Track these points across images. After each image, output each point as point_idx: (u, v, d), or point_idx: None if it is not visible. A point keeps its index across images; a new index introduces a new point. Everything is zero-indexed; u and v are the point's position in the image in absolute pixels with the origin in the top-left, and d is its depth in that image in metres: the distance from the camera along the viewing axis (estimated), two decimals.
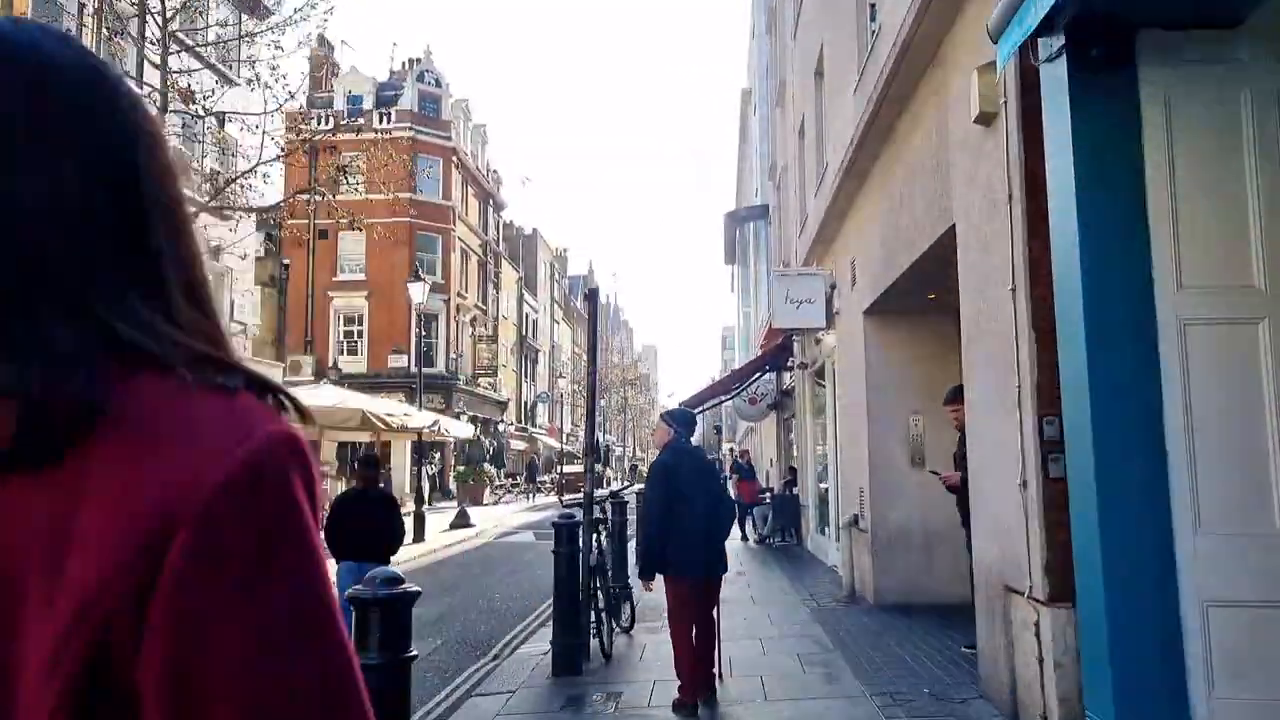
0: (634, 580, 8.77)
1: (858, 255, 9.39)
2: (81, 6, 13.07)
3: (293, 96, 10.12)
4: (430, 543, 17.28)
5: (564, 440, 57.07)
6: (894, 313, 8.91)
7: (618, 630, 8.04)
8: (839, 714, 5.41)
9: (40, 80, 0.63)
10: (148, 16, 9.88)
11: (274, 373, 21.79)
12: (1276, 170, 3.79)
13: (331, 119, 33.49)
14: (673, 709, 5.49)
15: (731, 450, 43.71)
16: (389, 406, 17.05)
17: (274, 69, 10.33)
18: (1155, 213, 3.83)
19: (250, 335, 21.23)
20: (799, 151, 15.02)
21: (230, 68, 13.96)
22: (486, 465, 35.83)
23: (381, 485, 7.75)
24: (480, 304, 40.93)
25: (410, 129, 35.22)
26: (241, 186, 10.76)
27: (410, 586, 2.87)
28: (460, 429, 21.68)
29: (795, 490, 17.19)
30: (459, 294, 37.57)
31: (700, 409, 21.29)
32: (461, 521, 21.00)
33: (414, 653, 2.85)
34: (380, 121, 34.55)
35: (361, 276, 35.13)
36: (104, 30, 11.72)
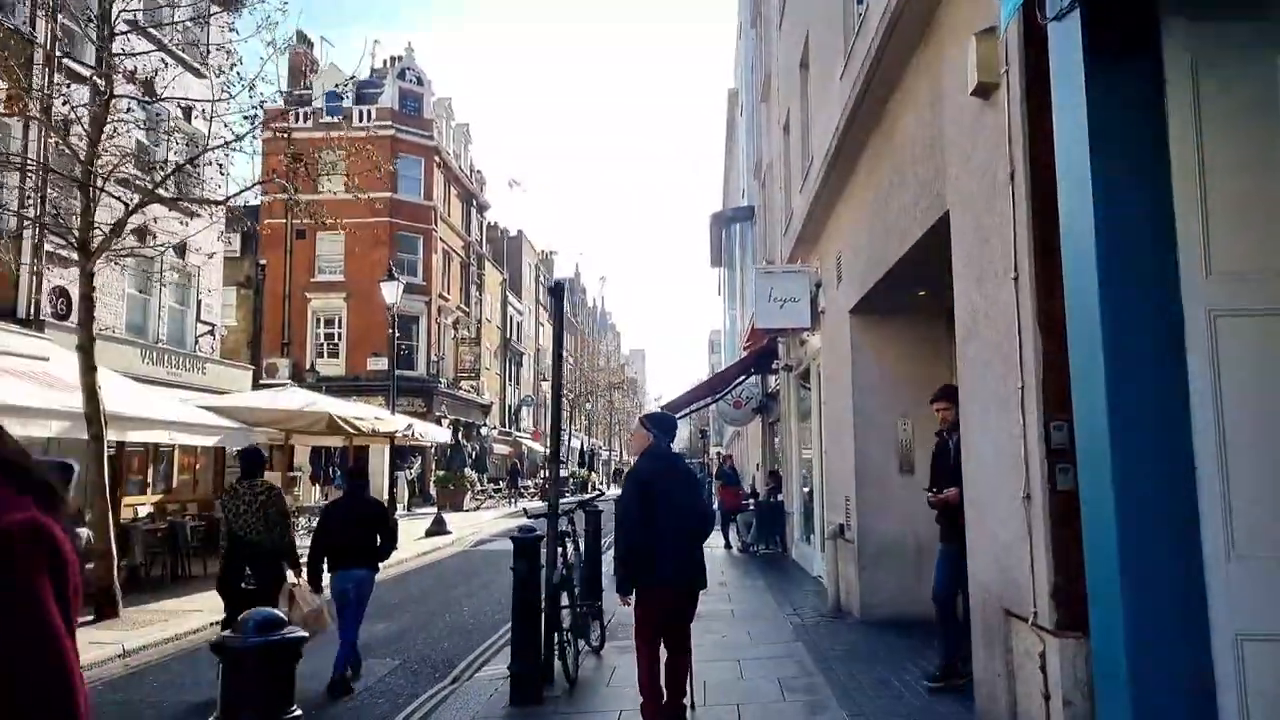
0: (607, 595, 8.28)
1: (844, 250, 8.90)
2: None
3: (250, 86, 9.53)
4: (402, 552, 16.64)
5: (549, 444, 56.42)
6: (881, 311, 8.43)
7: (586, 650, 7.51)
8: None
9: None
10: None
11: (243, 376, 21.15)
12: None
13: (304, 114, 32.91)
14: None
15: (718, 454, 43.24)
16: (359, 410, 16.46)
17: (229, 54, 9.72)
18: (1180, 188, 3.34)
19: (219, 336, 20.54)
20: (784, 148, 14.55)
21: (184, 50, 13.37)
22: (468, 470, 35.16)
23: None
24: (463, 306, 40.31)
25: (391, 127, 34.65)
26: (190, 175, 10.18)
27: (292, 631, 2.33)
28: (437, 433, 21.11)
29: (780, 497, 16.69)
30: (441, 296, 36.94)
31: (684, 413, 20.79)
32: (437, 529, 20.38)
33: (297, 713, 2.29)
34: (360, 119, 33.98)
35: (340, 278, 34.48)
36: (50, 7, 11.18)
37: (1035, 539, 3.97)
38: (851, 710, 5.56)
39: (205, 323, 19.84)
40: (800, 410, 14.53)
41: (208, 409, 13.89)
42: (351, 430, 15.33)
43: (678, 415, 21.12)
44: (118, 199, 9.54)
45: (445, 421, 35.16)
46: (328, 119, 32.14)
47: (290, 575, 7.16)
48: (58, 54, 12.16)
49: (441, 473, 34.08)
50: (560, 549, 6.85)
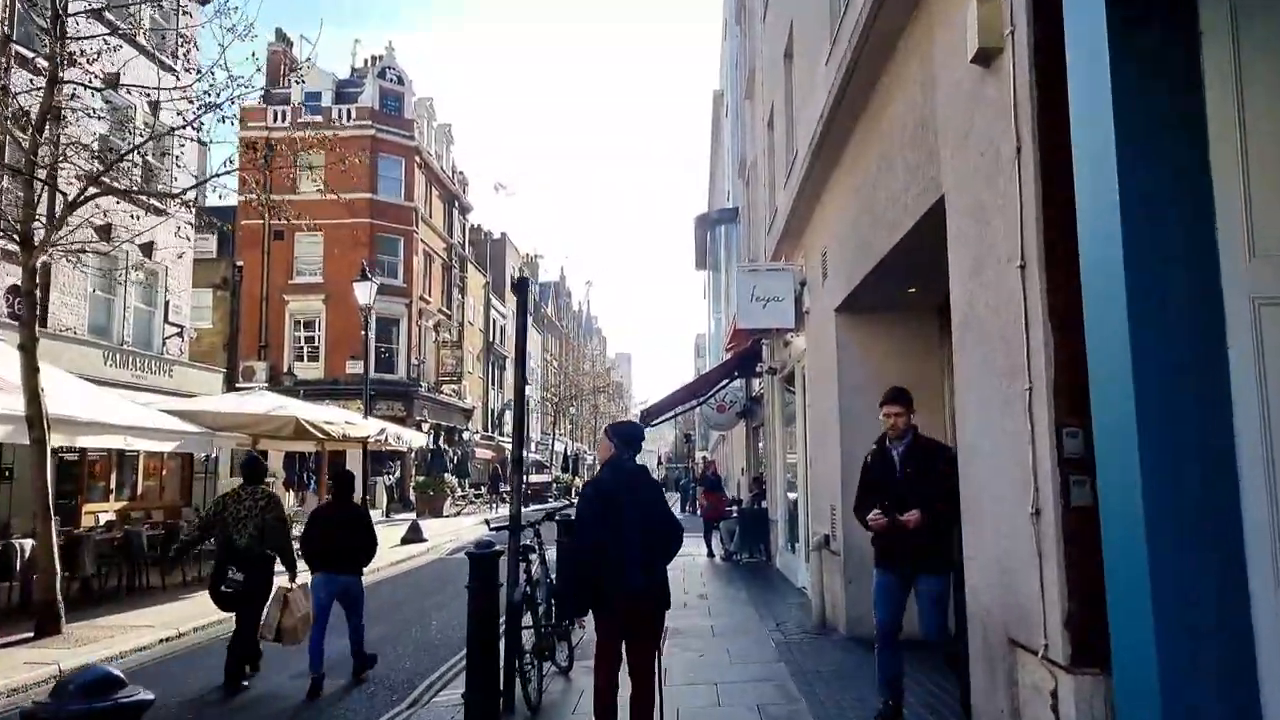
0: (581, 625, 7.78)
1: (829, 246, 8.44)
2: None
3: (202, 73, 8.98)
4: (376, 560, 16.07)
5: (532, 449, 55.86)
6: (869, 310, 7.97)
7: (554, 672, 7.01)
8: None
9: None
10: None
11: (213, 379, 20.52)
12: None
13: (282, 113, 32.29)
14: None
15: (702, 459, 42.78)
16: (329, 414, 15.88)
17: (183, 38, 9.18)
18: (1219, 158, 2.89)
19: (188, 338, 19.91)
20: (768, 144, 14.11)
21: (143, 37, 12.77)
22: (448, 475, 34.55)
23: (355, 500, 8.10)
24: (444, 309, 39.71)
25: (371, 126, 34.07)
26: (153, 170, 9.63)
27: (137, 694, 1.83)
28: (413, 437, 20.53)
29: (764, 504, 16.22)
30: (422, 298, 36.35)
31: (666, 417, 20.31)
32: (413, 536, 19.82)
33: None
34: (339, 119, 33.35)
35: (319, 279, 33.85)
36: None
37: (1045, 560, 3.50)
38: None
39: (173, 324, 19.23)
40: (785, 414, 14.07)
41: (170, 413, 13.29)
42: (321, 435, 14.76)
43: (659, 420, 20.68)
44: (62, 193, 8.98)
45: (426, 426, 34.54)
46: (306, 118, 31.55)
47: (284, 580, 7.42)
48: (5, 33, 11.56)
49: (421, 478, 33.46)
50: (524, 564, 6.34)
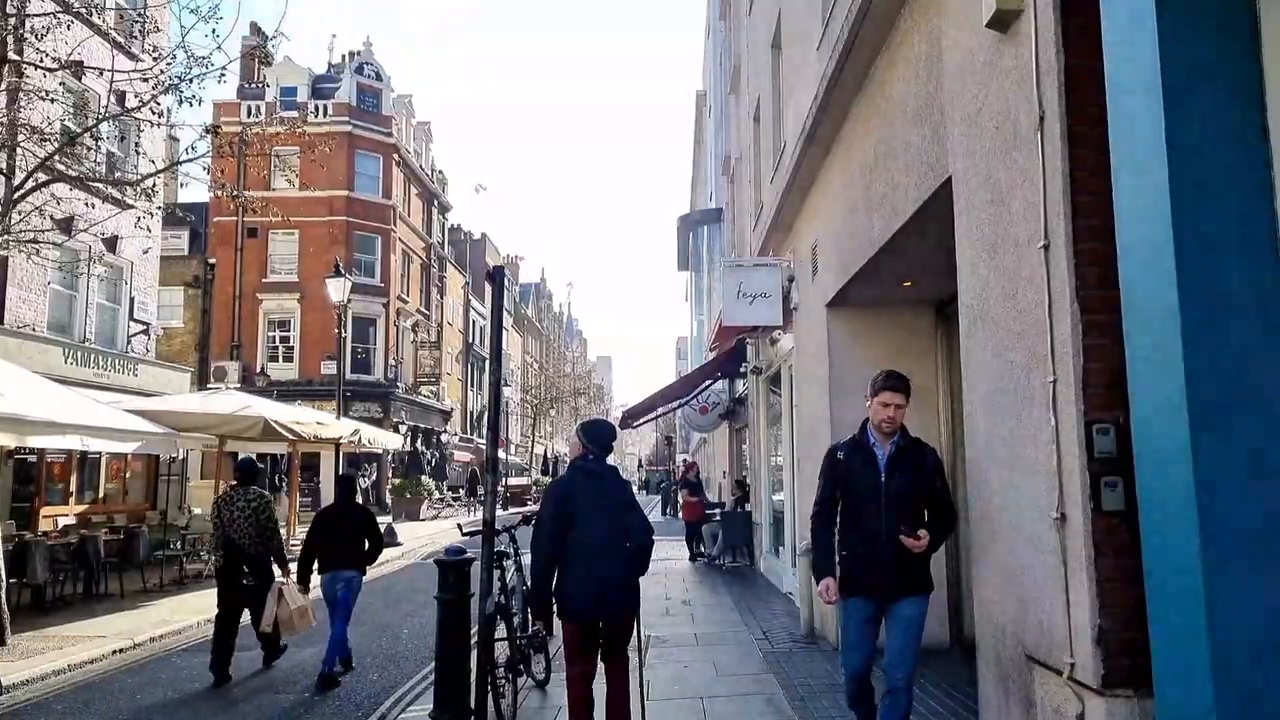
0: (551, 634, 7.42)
1: (821, 238, 8.11)
2: None
3: (159, 56, 8.51)
4: None
5: (512, 451, 55.31)
6: (862, 305, 7.64)
7: (529, 685, 6.62)
8: None
9: None
10: None
11: (180, 379, 19.93)
12: None
13: (257, 108, 31.68)
14: None
15: (683, 462, 42.45)
16: (299, 414, 15.38)
17: (140, 15, 8.71)
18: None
19: (154, 336, 19.31)
20: (754, 138, 13.80)
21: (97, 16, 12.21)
22: (425, 478, 34.01)
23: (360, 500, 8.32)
24: (423, 309, 39.15)
25: (348, 123, 33.51)
26: (90, 147, 9.13)
27: None
28: (387, 439, 20.02)
29: (748, 506, 15.88)
30: (399, 298, 35.78)
31: (646, 419, 19.96)
32: (388, 540, 19.29)
33: None
34: (315, 115, 32.74)
35: (294, 278, 33.21)
36: None
37: (1072, 572, 3.16)
38: None
39: (139, 321, 18.64)
40: (770, 415, 13.75)
41: (132, 412, 12.77)
42: (290, 436, 14.27)
43: (640, 421, 20.31)
44: (6, 176, 8.48)
45: (403, 428, 33.99)
46: (281, 114, 30.94)
47: (278, 574, 7.91)
48: None
49: (397, 480, 32.90)
50: (498, 572, 5.96)
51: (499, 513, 6.22)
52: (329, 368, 31.33)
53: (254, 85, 34.73)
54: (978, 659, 4.20)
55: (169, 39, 9.36)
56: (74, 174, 9.47)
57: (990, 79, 3.86)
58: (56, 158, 8.57)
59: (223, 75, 8.16)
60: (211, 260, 32.57)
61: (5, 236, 9.02)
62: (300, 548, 7.80)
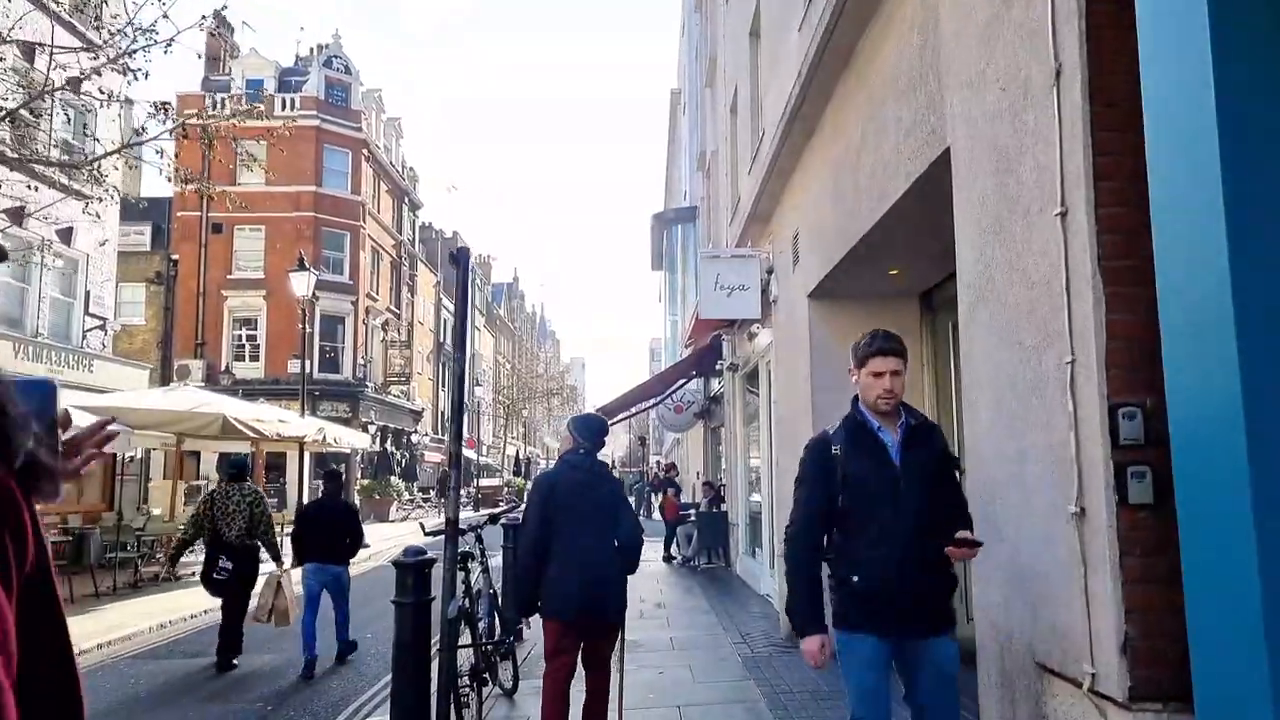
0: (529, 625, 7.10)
1: (802, 227, 7.81)
2: None
3: (102, 28, 8.03)
4: None
5: (484, 452, 54.72)
6: (845, 296, 7.35)
7: (496, 694, 6.25)
8: None
9: None
10: None
11: (139, 376, 19.31)
12: None
13: (222, 100, 31.00)
14: None
15: (657, 463, 42.13)
16: (260, 412, 14.86)
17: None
18: None
19: (111, 331, 18.67)
20: (731, 130, 13.50)
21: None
22: (394, 479, 33.42)
23: (344, 496, 8.78)
24: (393, 307, 38.52)
25: (316, 117, 32.84)
26: (28, 126, 8.64)
27: None
28: (354, 438, 19.48)
29: (724, 506, 15.59)
30: (369, 295, 35.15)
31: (620, 418, 19.60)
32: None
33: None
34: (282, 108, 32.05)
35: (260, 275, 32.48)
36: None
37: (1093, 572, 2.86)
38: None
39: (95, 316, 17.99)
40: (746, 414, 13.46)
41: (84, 409, 12.21)
42: (251, 434, 13.75)
43: (614, 421, 19.95)
44: None
45: (372, 428, 33.37)
46: (248, 106, 30.25)
47: (274, 567, 8.26)
48: None
49: (366, 481, 32.30)
50: (462, 574, 5.58)
51: (467, 513, 5.86)
52: (296, 366, 30.66)
53: (219, 77, 34.02)
54: (977, 667, 3.89)
55: (125, 17, 8.86)
56: (14, 156, 8.94)
57: (996, 36, 3.56)
58: None
59: (169, 47, 7.73)
60: (174, 256, 31.80)
61: None
62: (291, 541, 8.08)
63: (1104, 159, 2.87)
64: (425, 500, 35.65)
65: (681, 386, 18.51)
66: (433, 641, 5.20)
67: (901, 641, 3.17)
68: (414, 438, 40.86)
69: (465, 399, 5.54)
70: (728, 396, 14.94)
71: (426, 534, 6.25)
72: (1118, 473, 2.77)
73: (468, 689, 5.46)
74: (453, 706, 5.19)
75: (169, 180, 10.13)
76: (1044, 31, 3.12)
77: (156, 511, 17.52)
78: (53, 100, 9.48)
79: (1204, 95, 2.24)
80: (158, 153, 9.80)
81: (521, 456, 57.85)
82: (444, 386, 48.70)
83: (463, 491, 33.05)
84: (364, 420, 32.67)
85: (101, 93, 8.85)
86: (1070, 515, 2.97)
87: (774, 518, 10.05)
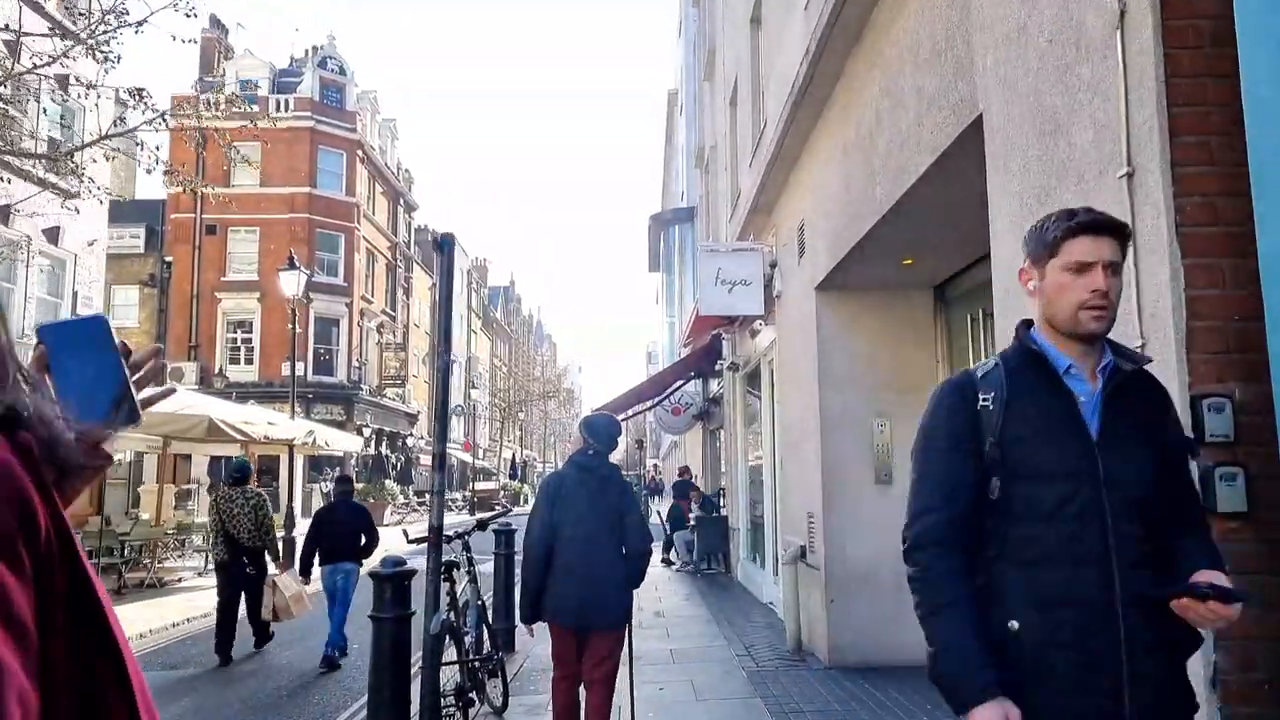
0: (521, 635, 6.71)
1: (809, 215, 7.41)
2: None
3: (71, 8, 7.64)
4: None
5: (480, 455, 54.29)
6: (855, 287, 6.96)
7: (485, 712, 5.84)
8: None
9: None
10: None
11: None
12: None
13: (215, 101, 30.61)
14: None
15: (653, 466, 41.74)
16: (248, 414, 14.44)
17: None
18: None
19: None
20: (731, 124, 13.12)
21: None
22: (389, 482, 32.99)
23: (357, 499, 8.87)
24: (388, 310, 38.11)
25: (310, 118, 32.46)
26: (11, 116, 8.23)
27: None
28: (346, 441, 19.08)
29: (724, 510, 15.18)
30: (364, 298, 34.73)
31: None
32: None
33: None
34: (277, 109, 31.66)
35: (254, 277, 32.02)
36: None
37: None
38: None
39: None
40: (747, 415, 13.06)
41: None
42: (239, 436, 13.34)
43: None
44: None
45: (367, 431, 32.95)
46: (242, 107, 29.88)
47: (271, 566, 8.57)
48: None
49: (360, 484, 31.86)
50: (447, 585, 5.18)
51: (462, 517, 5.46)
52: (290, 369, 30.25)
53: (213, 78, 33.63)
54: None
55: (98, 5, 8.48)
56: None
57: None
58: None
59: (140, 28, 7.32)
60: (168, 258, 31.41)
61: None
62: (303, 542, 8.25)
63: (1180, 110, 2.48)
64: (421, 504, 35.19)
65: (680, 388, 18.11)
66: (415, 659, 4.81)
67: None
68: (409, 441, 40.43)
69: (449, 396, 5.15)
70: (728, 397, 14.54)
71: (410, 542, 5.85)
72: (1204, 477, 2.37)
73: (452, 709, 5.05)
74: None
75: (149, 172, 9.73)
76: None
77: (145, 516, 17.08)
78: (26, 90, 9.06)
79: None
80: (137, 144, 9.40)
81: (518, 460, 57.43)
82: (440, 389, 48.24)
83: (459, 495, 32.49)
84: (359, 423, 32.25)
85: (78, 80, 8.45)
86: None
87: (778, 526, 9.66)
